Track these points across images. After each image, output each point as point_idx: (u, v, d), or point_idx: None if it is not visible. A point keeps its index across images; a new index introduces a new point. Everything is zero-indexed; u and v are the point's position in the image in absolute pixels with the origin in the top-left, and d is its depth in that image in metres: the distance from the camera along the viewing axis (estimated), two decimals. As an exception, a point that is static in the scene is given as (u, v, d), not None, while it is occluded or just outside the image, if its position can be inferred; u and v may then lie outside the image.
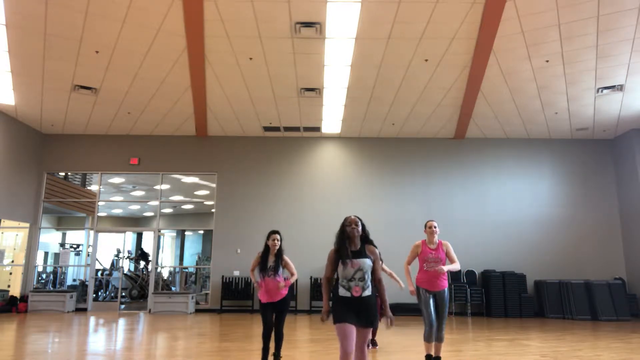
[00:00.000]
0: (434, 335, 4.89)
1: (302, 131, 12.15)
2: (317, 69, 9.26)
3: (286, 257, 5.00)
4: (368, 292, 3.23)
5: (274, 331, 4.88)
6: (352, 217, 3.43)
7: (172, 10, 7.67)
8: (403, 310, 10.98)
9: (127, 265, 15.34)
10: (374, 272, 3.35)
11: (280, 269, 4.92)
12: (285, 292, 4.91)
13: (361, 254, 3.31)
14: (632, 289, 11.40)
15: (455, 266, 4.97)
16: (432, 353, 4.97)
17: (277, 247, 4.94)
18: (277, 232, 5.02)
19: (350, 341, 3.11)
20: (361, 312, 3.21)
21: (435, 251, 4.97)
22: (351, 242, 3.35)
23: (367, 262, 3.27)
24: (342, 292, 3.24)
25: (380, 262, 3.52)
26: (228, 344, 6.80)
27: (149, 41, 8.38)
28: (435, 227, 5.04)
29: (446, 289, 4.95)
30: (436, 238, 5.05)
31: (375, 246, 3.46)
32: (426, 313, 4.86)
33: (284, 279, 4.91)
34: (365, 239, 3.41)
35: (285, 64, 9.08)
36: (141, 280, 14.18)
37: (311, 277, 11.47)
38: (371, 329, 3.26)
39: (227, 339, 7.24)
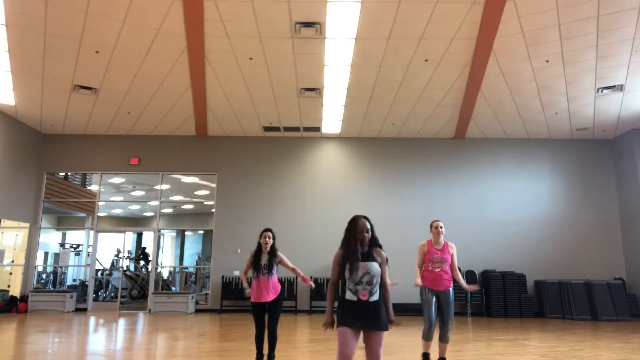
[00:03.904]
0: (432, 335, 4.88)
1: (302, 131, 12.15)
2: (317, 69, 9.26)
3: (280, 254, 4.91)
4: (376, 296, 3.11)
5: (267, 332, 4.77)
6: (362, 220, 3.23)
7: (172, 10, 7.67)
8: (402, 310, 10.97)
9: (126, 265, 15.33)
10: (381, 276, 3.19)
11: (275, 268, 4.85)
12: (276, 293, 4.81)
13: (369, 257, 3.17)
14: (632, 289, 11.40)
15: (458, 277, 5.02)
16: (429, 351, 4.98)
17: (269, 245, 4.85)
18: (269, 230, 4.93)
19: (350, 346, 3.01)
20: (369, 316, 3.08)
21: (441, 252, 4.96)
22: (360, 246, 3.20)
23: (375, 266, 3.14)
24: (349, 295, 3.12)
25: (386, 266, 3.37)
26: (228, 344, 6.80)
27: (149, 41, 8.38)
28: (441, 227, 5.01)
29: (451, 289, 4.93)
30: (442, 238, 5.03)
31: (382, 249, 3.30)
32: (427, 312, 4.86)
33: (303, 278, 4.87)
34: (373, 241, 3.24)
35: (285, 64, 9.08)
36: (141, 280, 14.18)
37: (311, 277, 11.45)
38: (383, 333, 3.12)
39: (227, 339, 7.24)
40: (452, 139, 12.43)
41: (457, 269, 5.04)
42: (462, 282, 5.05)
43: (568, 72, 9.25)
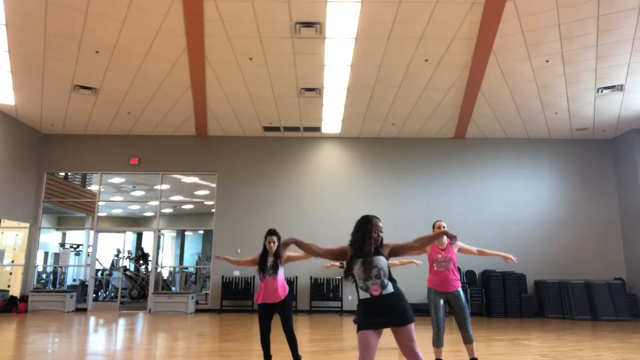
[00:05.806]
0: (442, 340, 4.74)
1: (302, 131, 12.15)
2: (317, 69, 9.26)
3: (286, 253, 4.84)
4: (389, 289, 3.08)
5: (285, 336, 4.70)
6: (376, 219, 3.29)
7: (172, 10, 7.67)
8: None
9: (127, 265, 15.32)
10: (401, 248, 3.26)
11: (280, 268, 4.85)
12: (284, 293, 4.82)
13: (376, 251, 3.20)
14: (632, 289, 11.40)
15: (491, 252, 4.94)
16: (442, 357, 4.82)
17: (275, 248, 4.85)
18: (273, 233, 4.90)
19: (370, 349, 2.96)
20: (387, 311, 3.01)
21: (445, 251, 4.81)
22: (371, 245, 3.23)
23: (382, 260, 3.15)
24: (362, 294, 3.11)
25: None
26: (228, 344, 6.80)
27: (149, 41, 8.38)
28: (444, 228, 4.88)
29: (460, 289, 4.75)
30: (445, 239, 4.87)
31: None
32: (434, 316, 4.69)
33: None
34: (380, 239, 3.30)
35: (285, 64, 9.08)
36: (141, 280, 14.18)
37: (311, 277, 11.47)
38: (411, 326, 3.02)
39: (227, 339, 7.24)
40: (452, 139, 12.43)
41: (482, 250, 4.94)
42: (499, 253, 4.87)
43: (568, 72, 9.25)
